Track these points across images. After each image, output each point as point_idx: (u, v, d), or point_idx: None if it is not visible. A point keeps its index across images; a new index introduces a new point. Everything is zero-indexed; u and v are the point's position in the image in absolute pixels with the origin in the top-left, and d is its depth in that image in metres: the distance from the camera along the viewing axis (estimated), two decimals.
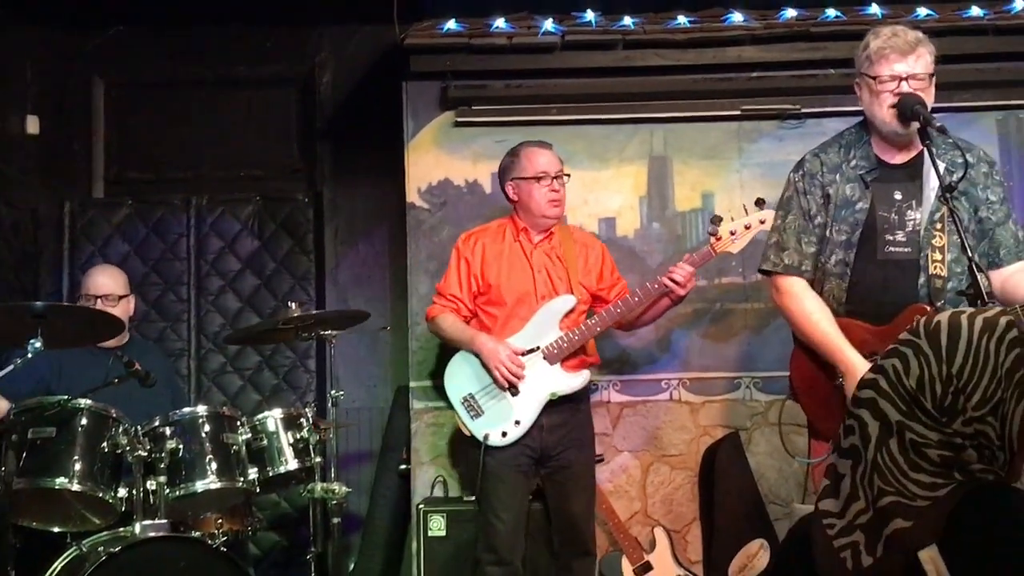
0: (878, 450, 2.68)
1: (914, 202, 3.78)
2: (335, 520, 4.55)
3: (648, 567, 5.10)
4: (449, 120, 5.56)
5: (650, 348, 5.46)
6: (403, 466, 5.62)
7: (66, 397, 4.26)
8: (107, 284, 5.03)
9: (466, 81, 5.50)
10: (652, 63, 5.45)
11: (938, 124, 3.57)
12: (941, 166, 3.64)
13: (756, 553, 5.13)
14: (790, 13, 5.57)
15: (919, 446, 2.61)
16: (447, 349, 5.39)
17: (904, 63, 3.70)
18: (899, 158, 3.83)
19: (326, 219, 6.41)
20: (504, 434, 4.61)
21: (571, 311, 4.73)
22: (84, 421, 4.25)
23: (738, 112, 5.50)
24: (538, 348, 4.66)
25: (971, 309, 2.67)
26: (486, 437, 4.61)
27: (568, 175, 4.84)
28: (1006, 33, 5.39)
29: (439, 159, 5.56)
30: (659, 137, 5.55)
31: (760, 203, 4.64)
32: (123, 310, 5.03)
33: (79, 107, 6.51)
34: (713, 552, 5.21)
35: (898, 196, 3.79)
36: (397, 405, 5.85)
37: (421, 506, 5.09)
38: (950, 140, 3.70)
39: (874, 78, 3.73)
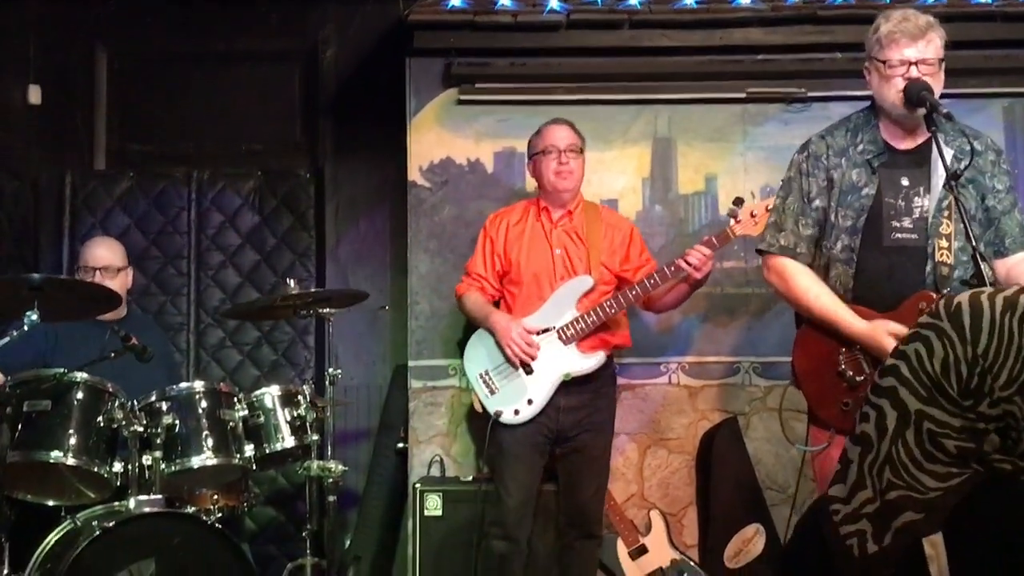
0: (893, 443, 2.65)
1: (921, 188, 3.73)
2: (331, 498, 4.53)
3: (643, 550, 5.09)
4: (452, 98, 5.52)
5: (651, 331, 5.43)
6: (400, 444, 5.61)
7: (62, 370, 4.24)
8: (105, 256, 5.02)
9: (470, 58, 5.46)
10: (658, 43, 5.42)
11: (944, 111, 3.54)
12: (948, 153, 3.61)
13: (752, 538, 5.12)
14: None
15: (937, 436, 2.58)
16: (446, 328, 5.43)
17: (914, 48, 3.66)
18: (907, 143, 3.79)
19: (327, 196, 6.37)
20: (516, 412, 4.62)
21: (589, 291, 4.72)
22: (80, 395, 4.25)
23: (744, 95, 5.45)
24: (552, 328, 4.65)
25: (990, 288, 2.63)
26: (498, 415, 4.62)
27: (582, 148, 4.84)
28: (1015, 20, 5.34)
29: (441, 137, 5.52)
30: (664, 118, 5.51)
31: None
32: (121, 282, 5.03)
33: (82, 78, 6.46)
34: (709, 536, 5.20)
35: (905, 182, 3.75)
36: (395, 384, 5.83)
37: (418, 485, 5.07)
38: (958, 127, 3.67)
39: (884, 62, 3.69)
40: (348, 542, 5.73)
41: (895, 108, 3.70)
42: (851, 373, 3.70)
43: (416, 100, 5.53)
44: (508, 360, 4.65)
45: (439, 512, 4.97)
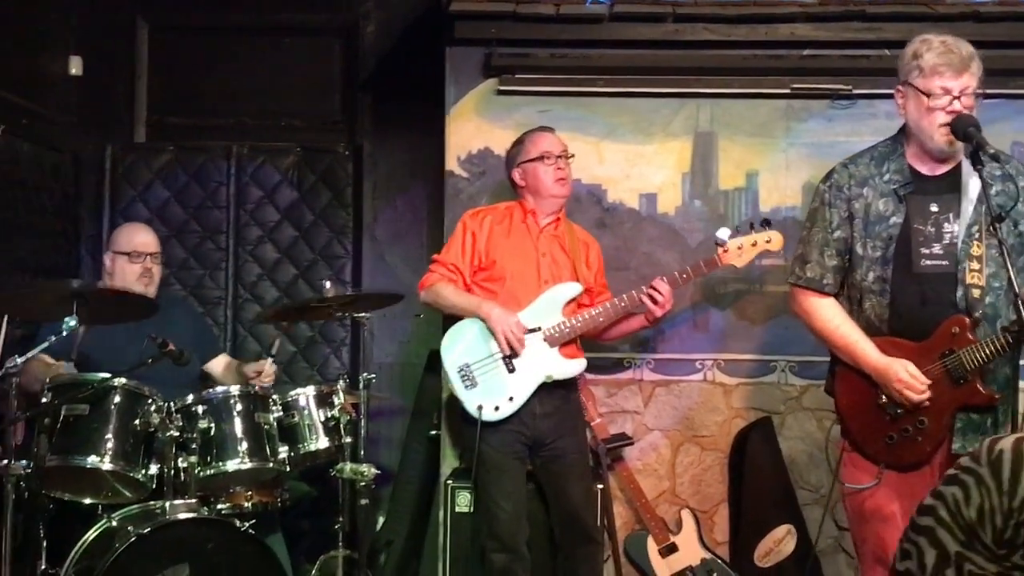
0: None
1: (951, 215, 3.70)
2: (363, 501, 4.54)
3: (673, 548, 5.11)
4: (492, 88, 5.43)
5: (686, 327, 5.41)
6: (433, 432, 5.61)
7: (100, 376, 4.29)
8: (152, 242, 5.06)
9: (510, 49, 5.37)
10: (702, 37, 5.30)
11: (992, 150, 3.48)
12: (992, 188, 3.57)
13: (783, 538, 5.14)
14: None
15: None
16: None
17: (958, 81, 3.61)
18: (936, 169, 3.75)
19: (365, 173, 6.38)
20: (497, 408, 4.59)
21: (574, 299, 4.73)
22: (117, 399, 4.30)
23: (788, 90, 5.34)
24: (540, 328, 4.64)
25: None
26: (480, 409, 4.58)
27: (572, 155, 4.84)
28: None
29: (480, 127, 5.45)
30: (705, 112, 5.42)
31: (766, 223, 4.71)
32: (160, 268, 5.07)
33: (123, 49, 6.49)
34: (739, 535, 5.22)
35: (935, 208, 3.72)
36: (429, 369, 5.82)
37: (449, 482, 5.07)
38: (991, 152, 3.59)
39: (926, 94, 3.63)
40: (380, 523, 5.78)
41: (933, 142, 3.66)
42: (892, 405, 3.69)
43: (455, 89, 5.45)
44: (492, 353, 4.62)
45: (469, 508, 4.97)
